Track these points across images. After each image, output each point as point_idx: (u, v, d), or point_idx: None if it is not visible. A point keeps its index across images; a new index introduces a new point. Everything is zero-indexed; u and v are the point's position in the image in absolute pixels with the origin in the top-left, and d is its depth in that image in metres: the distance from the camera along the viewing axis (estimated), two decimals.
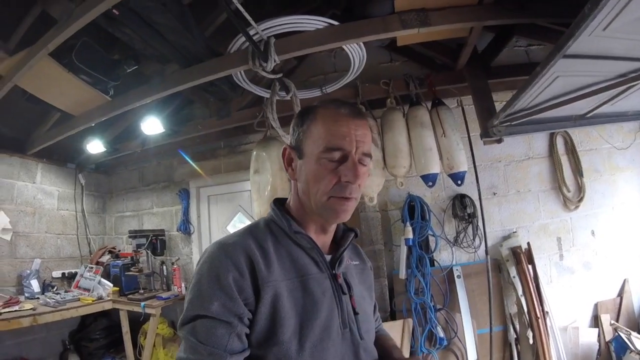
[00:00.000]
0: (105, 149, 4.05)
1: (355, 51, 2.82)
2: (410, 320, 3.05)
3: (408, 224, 3.23)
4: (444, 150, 2.97)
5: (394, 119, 3.09)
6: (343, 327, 0.95)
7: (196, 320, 0.83)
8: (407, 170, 3.07)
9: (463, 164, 2.95)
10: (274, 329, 0.86)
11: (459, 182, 2.99)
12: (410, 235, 3.20)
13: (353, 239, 1.10)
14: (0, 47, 2.47)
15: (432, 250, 3.21)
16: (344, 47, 2.72)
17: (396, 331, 3.03)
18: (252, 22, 2.42)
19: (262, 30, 2.51)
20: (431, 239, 3.25)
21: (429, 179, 3.04)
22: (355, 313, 0.99)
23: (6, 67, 2.55)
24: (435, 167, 2.98)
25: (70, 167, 4.41)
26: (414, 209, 3.27)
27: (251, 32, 2.48)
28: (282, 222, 1.00)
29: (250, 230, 0.99)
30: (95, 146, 3.95)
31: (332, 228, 1.06)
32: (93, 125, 3.43)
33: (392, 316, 3.22)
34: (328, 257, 1.02)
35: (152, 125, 3.69)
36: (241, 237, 0.94)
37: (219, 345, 0.81)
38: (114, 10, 2.39)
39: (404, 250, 3.23)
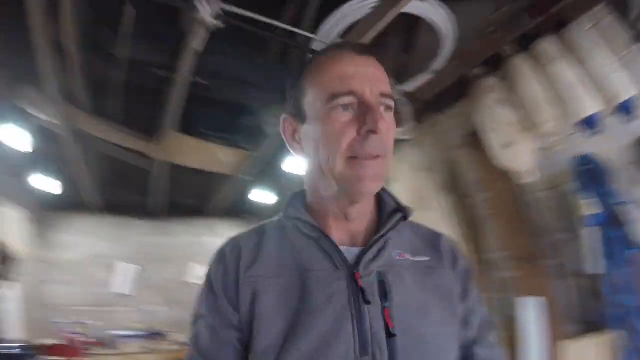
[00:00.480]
0: (275, 197, 4.67)
1: (432, 13, 2.50)
2: (617, 333, 2.16)
3: (586, 196, 2.40)
4: (593, 79, 2.19)
5: (516, 67, 2.53)
6: (361, 353, 0.69)
7: (198, 321, 0.80)
8: (556, 123, 2.39)
9: (626, 89, 2.09)
10: (252, 335, 0.74)
11: (631, 115, 2.10)
12: (593, 211, 2.35)
13: (398, 223, 0.82)
14: (147, 139, 3.30)
15: (628, 225, 2.25)
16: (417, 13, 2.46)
17: (596, 351, 2.21)
18: (313, 36, 2.53)
19: (327, 36, 2.54)
20: (622, 210, 2.28)
21: (588, 125, 2.28)
22: (391, 335, 0.71)
23: (157, 152, 3.37)
24: (590, 106, 2.23)
25: (247, 218, 5.23)
26: (589, 175, 2.42)
27: (316, 46, 2.56)
28: (284, 209, 0.87)
29: (264, 223, 0.90)
30: (261, 196, 4.61)
31: (361, 211, 0.82)
32: (252, 179, 4.08)
33: (594, 328, 2.35)
34: (354, 250, 0.78)
35: (294, 166, 4.08)
36: (248, 230, 0.88)
37: (211, 356, 0.76)
38: (199, 80, 2.89)
39: (588, 233, 2.39)
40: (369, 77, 0.74)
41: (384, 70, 0.78)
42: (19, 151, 3.10)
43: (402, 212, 0.82)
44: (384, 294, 0.73)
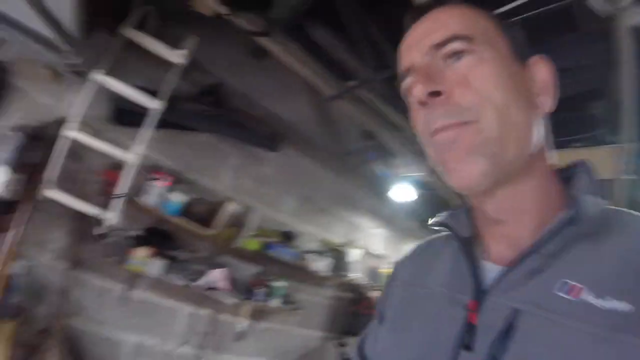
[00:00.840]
0: None
1: None
2: None
3: None
4: None
5: None
6: None
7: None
8: None
9: None
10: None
11: None
12: None
13: (563, 228, 0.50)
14: None
15: None
16: None
17: None
18: None
19: None
20: None
21: None
22: None
23: None
24: None
25: None
26: None
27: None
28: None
29: None
30: None
31: (508, 207, 0.56)
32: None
33: None
34: (496, 269, 0.55)
35: None
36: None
37: (361, 344, 0.76)
38: None
39: None
40: (418, 38, 0.59)
41: (449, 12, 0.59)
42: (409, 202, 4.30)
43: (575, 210, 0.50)
44: (502, 346, 0.48)
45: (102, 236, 2.45)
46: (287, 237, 3.46)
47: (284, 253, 3.30)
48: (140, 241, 2.59)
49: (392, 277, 0.75)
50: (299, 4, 2.37)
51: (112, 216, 2.33)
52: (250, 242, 3.11)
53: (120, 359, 2.72)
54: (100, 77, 2.29)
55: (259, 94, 3.36)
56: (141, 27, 2.42)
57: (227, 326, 3.16)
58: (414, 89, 0.55)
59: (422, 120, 0.57)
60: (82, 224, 2.44)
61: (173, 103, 2.58)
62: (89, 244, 2.51)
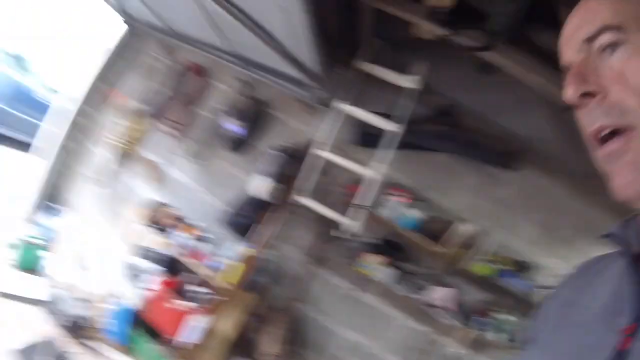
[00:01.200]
0: None
1: None
2: None
3: None
4: None
5: None
6: None
7: None
8: None
9: None
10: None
11: None
12: None
13: None
14: None
15: None
16: None
17: None
18: None
19: None
20: None
21: None
22: None
23: None
24: None
25: None
26: None
27: None
28: None
29: None
30: None
31: None
32: None
33: None
34: None
35: None
36: None
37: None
38: None
39: None
40: (571, 32, 0.54)
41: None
42: None
43: None
44: None
45: (340, 239, 2.87)
46: (522, 267, 3.17)
47: (516, 284, 3.04)
48: (374, 248, 2.90)
49: (552, 296, 0.69)
50: (515, 10, 2.21)
51: (354, 224, 2.67)
52: (480, 266, 3.00)
53: (331, 347, 3.14)
54: (343, 106, 2.74)
55: (492, 111, 3.24)
56: (374, 58, 2.74)
57: (441, 348, 3.13)
58: (566, 91, 0.51)
59: (582, 121, 0.52)
60: (325, 228, 2.95)
61: (411, 125, 2.77)
62: (328, 245, 3.01)
